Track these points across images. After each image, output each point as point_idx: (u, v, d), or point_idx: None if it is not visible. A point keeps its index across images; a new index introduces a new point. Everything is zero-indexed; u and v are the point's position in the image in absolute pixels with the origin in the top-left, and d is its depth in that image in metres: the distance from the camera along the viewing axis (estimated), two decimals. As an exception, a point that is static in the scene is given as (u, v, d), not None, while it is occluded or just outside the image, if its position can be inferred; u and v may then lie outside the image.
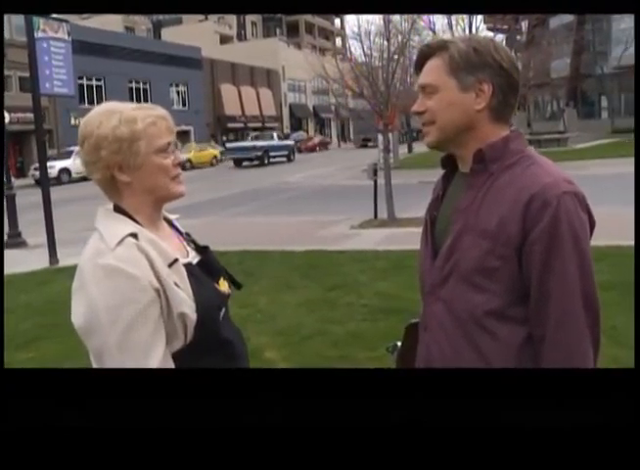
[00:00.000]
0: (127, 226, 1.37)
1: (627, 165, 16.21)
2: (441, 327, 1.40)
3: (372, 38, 11.99)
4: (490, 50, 1.38)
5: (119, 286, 1.27)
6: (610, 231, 7.97)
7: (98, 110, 1.46)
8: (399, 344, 1.70)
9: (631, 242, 6.76)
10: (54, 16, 8.41)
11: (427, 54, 1.45)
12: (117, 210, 1.42)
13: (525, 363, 1.32)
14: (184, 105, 45.70)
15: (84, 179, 27.47)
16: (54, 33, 8.15)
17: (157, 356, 1.29)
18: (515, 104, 1.43)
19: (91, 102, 37.39)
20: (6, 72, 24.50)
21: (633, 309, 1.97)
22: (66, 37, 8.38)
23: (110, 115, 1.41)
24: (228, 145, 37.42)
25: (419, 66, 1.47)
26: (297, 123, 62.30)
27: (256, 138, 35.89)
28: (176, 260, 1.37)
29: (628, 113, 36.85)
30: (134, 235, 1.34)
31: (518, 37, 29.70)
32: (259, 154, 32.00)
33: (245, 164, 32.21)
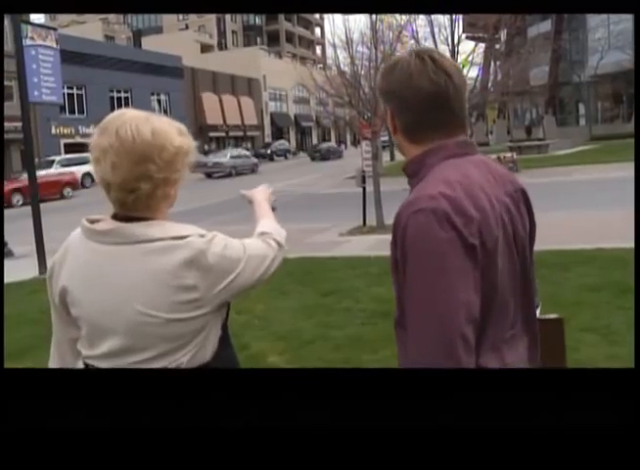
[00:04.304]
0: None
1: (608, 171, 16.52)
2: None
3: (354, 47, 12.15)
4: (381, 77, 1.41)
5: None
6: (594, 235, 8.12)
7: (161, 120, 1.43)
8: None
9: (615, 244, 6.93)
10: (42, 23, 8.35)
11: None
12: (131, 219, 1.42)
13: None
14: (165, 114, 44.41)
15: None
16: (42, 41, 8.08)
17: None
18: (425, 121, 1.35)
19: (72, 111, 37.11)
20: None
21: (633, 310, 2.00)
22: (54, 45, 8.32)
23: (170, 125, 1.43)
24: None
25: None
26: (278, 132, 62.37)
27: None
28: None
29: (605, 120, 37.49)
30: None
31: (497, 46, 30.09)
32: None
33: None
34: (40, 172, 16.87)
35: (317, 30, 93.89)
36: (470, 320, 1.19)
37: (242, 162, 34.89)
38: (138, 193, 1.38)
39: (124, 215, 1.42)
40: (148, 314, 1.38)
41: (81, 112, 38.03)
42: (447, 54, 14.02)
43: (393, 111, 1.39)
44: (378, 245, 9.31)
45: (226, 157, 34.58)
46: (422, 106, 1.34)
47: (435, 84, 1.32)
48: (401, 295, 1.27)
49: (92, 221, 1.46)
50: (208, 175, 32.14)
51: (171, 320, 1.38)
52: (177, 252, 1.37)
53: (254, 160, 37.37)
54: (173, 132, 1.42)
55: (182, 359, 1.42)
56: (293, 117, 66.03)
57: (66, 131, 36.62)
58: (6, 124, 25.31)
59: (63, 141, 36.25)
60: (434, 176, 1.30)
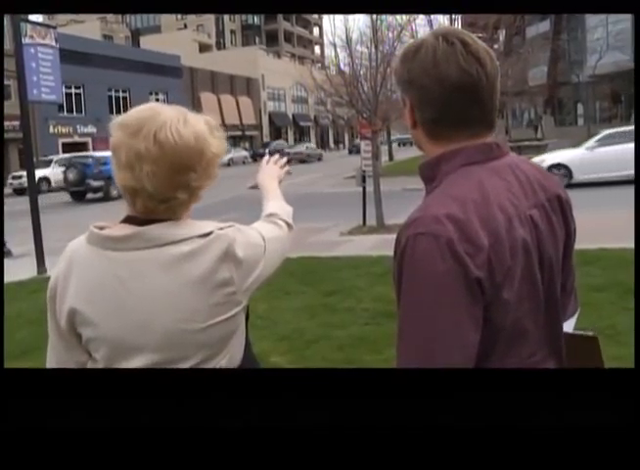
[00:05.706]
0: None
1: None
2: None
3: (353, 46, 12.17)
4: (400, 62, 1.22)
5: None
6: (597, 235, 8.12)
7: (197, 121, 1.30)
8: None
9: (619, 244, 6.93)
10: (41, 22, 8.35)
11: None
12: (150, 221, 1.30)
13: None
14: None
15: (64, 189, 27.25)
16: (41, 39, 8.07)
17: None
18: (449, 116, 1.18)
19: (70, 110, 37.10)
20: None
21: (634, 309, 2.01)
22: (53, 43, 8.31)
23: (203, 125, 1.31)
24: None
25: None
26: (276, 132, 62.39)
27: None
28: None
29: (603, 120, 37.53)
30: None
31: (496, 46, 30.14)
32: None
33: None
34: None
35: (316, 30, 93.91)
36: (463, 362, 1.08)
37: (313, 151, 48.10)
38: (172, 203, 1.26)
39: (143, 218, 1.29)
40: (187, 323, 1.28)
41: (80, 111, 38.03)
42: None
43: (413, 102, 1.21)
44: (379, 244, 9.31)
45: (303, 147, 49.07)
46: (447, 99, 1.16)
47: (465, 74, 1.14)
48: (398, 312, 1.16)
49: (101, 228, 1.31)
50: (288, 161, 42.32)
51: (212, 324, 1.29)
52: (209, 248, 1.27)
53: (320, 151, 51.50)
54: (208, 133, 1.29)
55: (221, 363, 1.34)
56: (291, 117, 66.06)
57: (64, 130, 36.62)
58: (5, 124, 25.30)
59: (61, 140, 36.26)
60: (446, 189, 1.15)
